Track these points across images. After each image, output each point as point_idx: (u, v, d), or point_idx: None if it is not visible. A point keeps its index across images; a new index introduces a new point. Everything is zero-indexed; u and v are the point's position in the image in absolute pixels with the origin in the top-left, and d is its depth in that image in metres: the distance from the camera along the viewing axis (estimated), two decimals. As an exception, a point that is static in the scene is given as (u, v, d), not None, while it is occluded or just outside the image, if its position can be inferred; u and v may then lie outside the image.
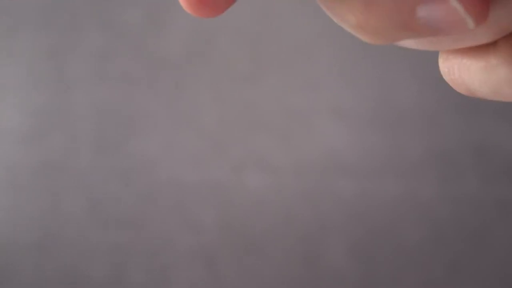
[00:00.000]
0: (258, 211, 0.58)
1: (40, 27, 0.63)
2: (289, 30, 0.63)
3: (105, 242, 0.57)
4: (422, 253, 0.57)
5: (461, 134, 0.59)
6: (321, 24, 0.62)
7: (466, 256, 0.57)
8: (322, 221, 0.58)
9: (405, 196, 0.58)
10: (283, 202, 0.58)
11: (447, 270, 0.56)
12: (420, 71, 0.59)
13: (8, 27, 0.65)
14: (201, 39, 0.62)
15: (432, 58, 0.60)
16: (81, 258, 0.56)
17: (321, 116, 0.60)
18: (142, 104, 0.61)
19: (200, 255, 0.57)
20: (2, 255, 0.55)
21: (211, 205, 0.58)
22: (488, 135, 0.58)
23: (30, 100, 0.65)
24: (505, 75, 0.17)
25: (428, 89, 0.58)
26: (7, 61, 0.67)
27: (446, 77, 0.19)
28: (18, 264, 0.54)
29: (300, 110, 0.61)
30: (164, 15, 0.63)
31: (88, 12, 0.64)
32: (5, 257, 0.56)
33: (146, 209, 0.58)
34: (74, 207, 0.57)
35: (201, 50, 0.62)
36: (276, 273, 0.56)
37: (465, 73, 0.19)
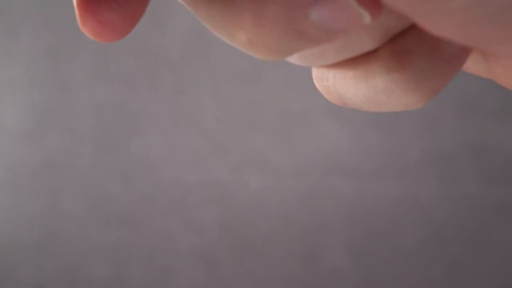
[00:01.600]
0: (258, 211, 0.58)
1: (40, 27, 0.63)
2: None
3: (105, 241, 0.57)
4: (421, 253, 0.57)
5: (460, 135, 0.59)
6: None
7: (466, 257, 0.57)
8: (322, 221, 0.58)
9: (404, 197, 0.58)
10: (283, 202, 0.58)
11: (446, 270, 0.56)
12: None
13: (8, 27, 0.65)
14: (201, 39, 0.62)
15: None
16: (81, 257, 0.56)
17: (321, 117, 0.60)
18: (142, 103, 0.61)
19: (200, 255, 0.57)
20: (2, 255, 0.55)
21: (211, 204, 0.58)
22: (487, 136, 0.59)
23: (30, 100, 0.65)
24: (383, 83, 0.17)
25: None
26: (7, 61, 0.67)
27: (318, 83, 0.19)
28: (18, 264, 0.55)
29: (300, 111, 0.61)
30: (164, 15, 0.63)
31: (88, 12, 0.64)
32: (5, 257, 0.56)
33: (147, 209, 0.58)
34: (74, 206, 0.57)
35: (201, 50, 0.62)
36: (276, 273, 0.57)
37: (340, 81, 0.18)
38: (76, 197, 0.58)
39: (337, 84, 0.18)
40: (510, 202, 0.58)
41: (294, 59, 0.17)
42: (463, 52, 0.17)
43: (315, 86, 0.63)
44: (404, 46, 0.16)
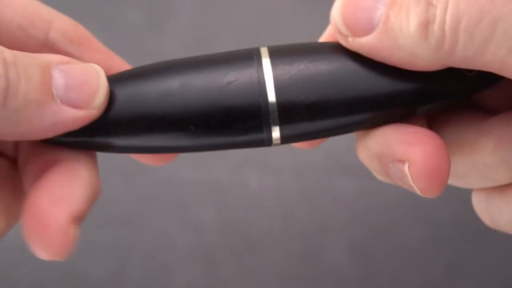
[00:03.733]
0: (258, 211, 0.58)
1: (40, 27, 0.63)
2: (289, 30, 0.63)
3: (104, 241, 0.57)
4: (422, 252, 0.57)
5: (461, 134, 0.59)
6: (321, 24, 0.62)
7: (466, 256, 0.56)
8: (322, 221, 0.58)
9: (405, 196, 0.58)
10: (283, 201, 0.58)
11: (447, 270, 0.56)
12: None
13: (8, 27, 0.65)
14: (201, 39, 0.62)
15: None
16: (79, 257, 0.56)
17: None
18: (142, 104, 0.61)
19: (199, 254, 0.57)
20: (1, 255, 0.55)
21: (211, 204, 0.58)
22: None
23: (30, 100, 0.65)
24: None
25: (428, 89, 0.58)
26: (7, 61, 0.66)
27: (474, 204, 0.22)
28: (17, 263, 0.54)
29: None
30: (164, 15, 0.63)
31: (88, 12, 0.64)
32: (5, 257, 0.56)
33: (146, 208, 0.58)
34: (74, 206, 0.57)
35: (201, 50, 0.62)
36: (276, 273, 0.56)
37: (490, 204, 0.21)
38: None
39: (488, 207, 0.21)
40: None
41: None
42: None
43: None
44: None
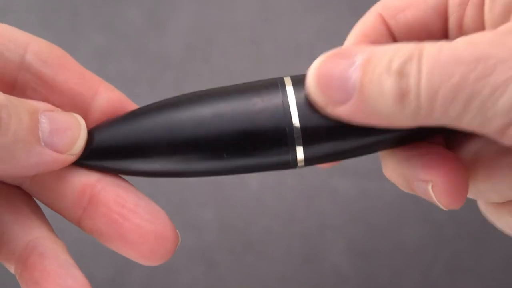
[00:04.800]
0: (258, 211, 0.58)
1: (39, 27, 0.63)
2: (289, 30, 0.63)
3: (105, 241, 0.57)
4: (421, 252, 0.57)
5: (461, 134, 0.59)
6: (321, 24, 0.62)
7: (466, 255, 0.57)
8: (322, 221, 0.58)
9: (404, 196, 0.58)
10: (283, 201, 0.58)
11: (446, 269, 0.56)
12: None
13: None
14: (201, 39, 0.62)
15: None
16: (81, 258, 0.56)
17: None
18: (142, 103, 0.61)
19: (200, 254, 0.57)
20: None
21: (211, 204, 0.58)
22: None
23: (30, 100, 0.65)
24: None
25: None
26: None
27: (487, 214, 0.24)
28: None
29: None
30: (164, 15, 0.63)
31: (88, 12, 0.64)
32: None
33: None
34: (74, 207, 0.57)
35: (201, 50, 0.62)
36: (276, 272, 0.56)
37: (509, 218, 0.23)
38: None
39: (509, 220, 0.23)
40: (510, 201, 0.58)
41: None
42: None
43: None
44: None
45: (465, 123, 0.18)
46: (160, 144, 0.22)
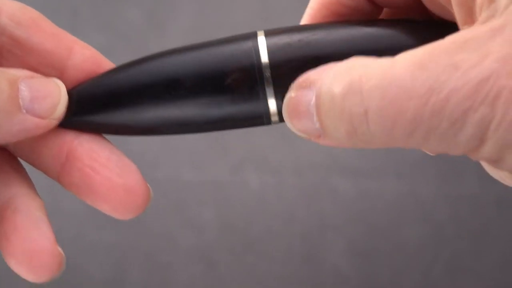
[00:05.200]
0: (258, 211, 0.58)
1: (40, 27, 0.63)
2: (289, 30, 0.63)
3: (104, 241, 0.57)
4: (421, 252, 0.57)
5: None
6: (321, 24, 0.62)
7: (466, 255, 0.57)
8: (322, 221, 0.58)
9: (405, 196, 0.58)
10: (283, 201, 0.58)
11: (446, 269, 0.56)
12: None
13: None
14: (201, 39, 0.62)
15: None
16: (81, 257, 0.56)
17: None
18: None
19: (199, 254, 0.57)
20: (1, 255, 0.55)
21: (211, 204, 0.58)
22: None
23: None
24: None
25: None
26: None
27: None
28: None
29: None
30: (164, 15, 0.63)
31: (88, 12, 0.64)
32: (3, 256, 0.55)
33: (146, 208, 0.58)
34: (73, 206, 0.57)
35: (201, 50, 0.62)
36: (276, 272, 0.56)
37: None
38: (75, 197, 0.58)
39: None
40: (511, 201, 0.58)
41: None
42: None
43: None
44: None
45: (429, 149, 0.18)
46: (136, 92, 0.22)
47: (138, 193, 0.23)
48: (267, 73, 0.20)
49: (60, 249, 0.22)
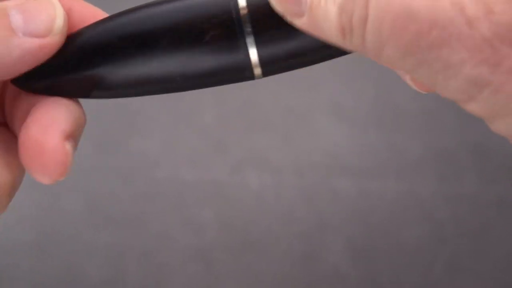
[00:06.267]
0: (258, 211, 0.58)
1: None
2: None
3: (103, 241, 0.57)
4: (421, 252, 0.57)
5: (460, 134, 0.59)
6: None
7: (466, 255, 0.57)
8: (322, 221, 0.58)
9: (405, 196, 0.58)
10: (283, 201, 0.58)
11: (446, 269, 0.56)
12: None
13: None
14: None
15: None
16: (78, 257, 0.56)
17: (321, 116, 0.60)
18: (142, 102, 0.61)
19: (199, 254, 0.57)
20: (1, 255, 0.55)
21: (211, 203, 0.58)
22: (488, 134, 0.59)
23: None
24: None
25: (427, 89, 0.58)
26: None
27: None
28: (16, 263, 0.54)
29: (300, 110, 0.61)
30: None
31: (87, 12, 0.64)
32: (3, 256, 0.56)
33: (145, 208, 0.58)
34: (72, 205, 0.57)
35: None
36: (276, 272, 0.56)
37: None
38: (74, 196, 0.58)
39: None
40: (510, 201, 0.58)
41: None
42: None
43: (315, 86, 0.63)
44: None
45: (416, 79, 0.17)
46: (114, 49, 0.21)
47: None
48: (247, 26, 0.20)
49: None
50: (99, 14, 0.23)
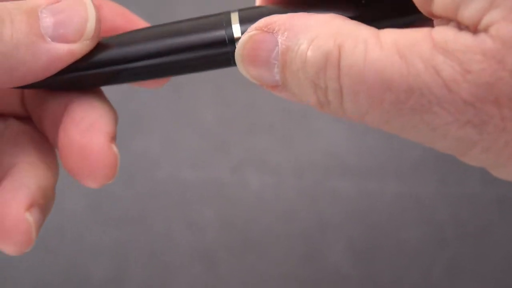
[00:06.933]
0: (258, 211, 0.58)
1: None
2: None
3: (105, 240, 0.57)
4: (421, 252, 0.57)
5: (461, 134, 0.59)
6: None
7: (466, 256, 0.57)
8: (322, 221, 0.58)
9: (405, 196, 0.58)
10: (283, 201, 0.58)
11: (446, 270, 0.56)
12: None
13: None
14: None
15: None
16: (81, 256, 0.56)
17: (321, 117, 0.60)
18: (143, 102, 0.61)
19: (200, 254, 0.57)
20: (2, 254, 0.55)
21: (211, 203, 0.58)
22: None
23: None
24: None
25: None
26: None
27: None
28: (18, 263, 0.54)
29: (300, 110, 0.61)
30: (164, 15, 0.63)
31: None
32: (5, 256, 0.56)
33: (147, 208, 0.58)
34: (75, 205, 0.57)
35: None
36: (276, 272, 0.57)
37: None
38: (77, 196, 0.58)
39: None
40: (511, 200, 0.58)
41: None
42: None
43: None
44: None
45: (404, 136, 0.17)
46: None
47: (99, 156, 0.20)
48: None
49: (30, 225, 0.20)
50: (127, 13, 0.23)
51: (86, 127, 0.19)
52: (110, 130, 0.20)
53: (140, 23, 0.24)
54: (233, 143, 0.60)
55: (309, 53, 0.16)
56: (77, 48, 0.19)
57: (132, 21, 0.23)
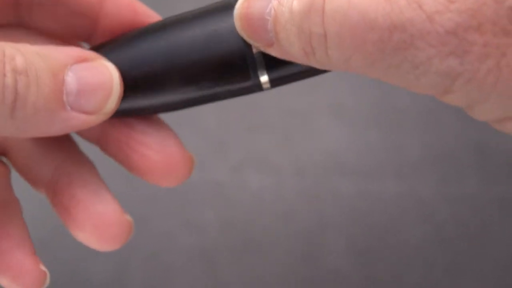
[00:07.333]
0: (258, 211, 0.58)
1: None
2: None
3: (105, 241, 0.57)
4: (422, 252, 0.57)
5: (461, 133, 0.59)
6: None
7: (466, 256, 0.56)
8: (322, 221, 0.58)
9: (405, 196, 0.58)
10: (283, 201, 0.58)
11: (447, 270, 0.56)
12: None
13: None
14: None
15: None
16: (81, 257, 0.56)
17: (321, 116, 0.60)
18: (142, 104, 0.61)
19: (200, 254, 0.57)
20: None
21: (211, 204, 0.58)
22: (489, 134, 0.58)
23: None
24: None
25: (428, 89, 0.58)
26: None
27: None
28: (18, 264, 0.54)
29: (300, 110, 0.61)
30: (164, 15, 0.63)
31: (88, 12, 0.64)
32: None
33: (146, 209, 0.58)
34: (74, 206, 0.57)
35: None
36: (277, 272, 0.56)
37: None
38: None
39: None
40: (511, 201, 0.58)
41: None
42: None
43: (315, 86, 0.63)
44: None
45: (385, 80, 0.17)
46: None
47: (179, 166, 0.21)
48: (261, 65, 0.21)
49: (127, 217, 0.21)
50: (134, 2, 0.22)
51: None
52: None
53: (149, 13, 0.24)
54: (232, 143, 0.60)
55: (295, 2, 0.16)
56: (93, 120, 0.18)
57: (140, 13, 0.23)
